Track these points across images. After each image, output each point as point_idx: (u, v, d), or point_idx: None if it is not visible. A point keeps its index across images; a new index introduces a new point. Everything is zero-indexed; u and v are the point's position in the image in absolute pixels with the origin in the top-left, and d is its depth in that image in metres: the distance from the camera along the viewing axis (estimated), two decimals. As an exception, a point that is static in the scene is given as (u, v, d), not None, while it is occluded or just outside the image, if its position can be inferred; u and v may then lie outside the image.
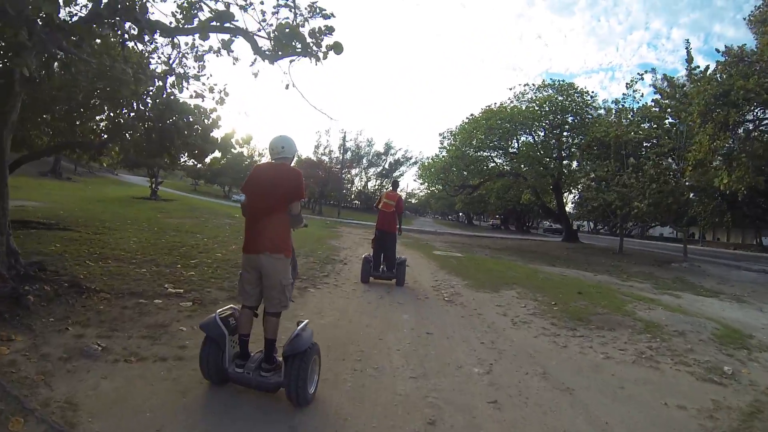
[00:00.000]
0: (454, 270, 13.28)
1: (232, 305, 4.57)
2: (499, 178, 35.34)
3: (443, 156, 36.01)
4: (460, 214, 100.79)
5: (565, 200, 43.02)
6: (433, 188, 45.38)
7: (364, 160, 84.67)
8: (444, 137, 37.26)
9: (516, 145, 36.24)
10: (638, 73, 27.50)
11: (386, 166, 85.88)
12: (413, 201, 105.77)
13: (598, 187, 25.46)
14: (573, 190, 39.89)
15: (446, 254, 18.68)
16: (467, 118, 35.80)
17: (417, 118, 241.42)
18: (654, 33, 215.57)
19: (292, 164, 4.49)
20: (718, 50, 20.20)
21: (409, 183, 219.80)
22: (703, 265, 22.82)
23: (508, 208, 60.26)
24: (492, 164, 36.74)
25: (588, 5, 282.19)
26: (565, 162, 35.46)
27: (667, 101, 24.02)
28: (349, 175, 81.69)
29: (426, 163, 38.30)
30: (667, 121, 26.24)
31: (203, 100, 9.16)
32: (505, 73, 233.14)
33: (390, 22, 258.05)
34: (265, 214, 4.08)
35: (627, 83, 28.34)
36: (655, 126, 25.36)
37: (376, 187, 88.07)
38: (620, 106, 29.15)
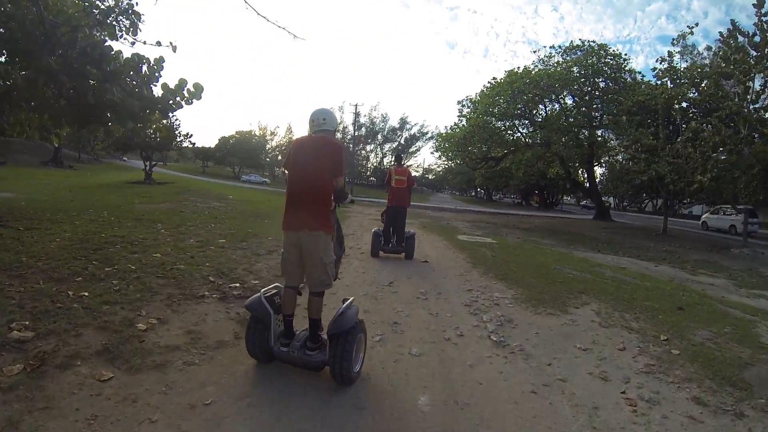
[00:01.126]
0: (492, 268, 9.78)
1: (277, 284, 4.32)
2: (527, 149, 31.53)
3: (462, 125, 32.31)
4: (479, 189, 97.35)
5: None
6: (452, 162, 41.70)
7: (379, 136, 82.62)
8: (463, 105, 33.58)
9: (544, 112, 32.59)
10: (688, 27, 23.29)
11: (402, 141, 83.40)
12: (430, 177, 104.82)
13: (648, 157, 21.71)
14: (604, 163, 35.96)
15: (474, 240, 15.24)
16: (489, 82, 31.98)
17: (434, 92, 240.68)
18: (673, 4, 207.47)
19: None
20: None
21: (426, 158, 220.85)
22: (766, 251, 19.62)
23: (530, 183, 56.61)
24: (517, 134, 33.19)
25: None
26: (598, 132, 31.68)
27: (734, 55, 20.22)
28: (363, 152, 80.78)
29: (444, 134, 34.56)
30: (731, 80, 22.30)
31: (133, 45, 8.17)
32: (521, 47, 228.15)
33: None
34: (306, 189, 3.87)
35: (673, 39, 24.63)
36: (711, 87, 21.47)
37: (392, 163, 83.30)
38: (666, 65, 25.42)
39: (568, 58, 31.49)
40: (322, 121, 4.12)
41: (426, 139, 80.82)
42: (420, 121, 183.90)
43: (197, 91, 8.32)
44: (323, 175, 3.86)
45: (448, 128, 34.18)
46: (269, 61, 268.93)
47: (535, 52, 59.25)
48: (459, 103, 34.04)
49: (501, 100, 29.89)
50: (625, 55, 30.67)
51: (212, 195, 22.58)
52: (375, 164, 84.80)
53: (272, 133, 74.25)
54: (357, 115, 55.92)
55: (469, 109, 32.36)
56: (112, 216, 11.75)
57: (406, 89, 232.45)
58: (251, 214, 16.26)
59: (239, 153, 64.67)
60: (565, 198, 74.23)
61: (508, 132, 32.58)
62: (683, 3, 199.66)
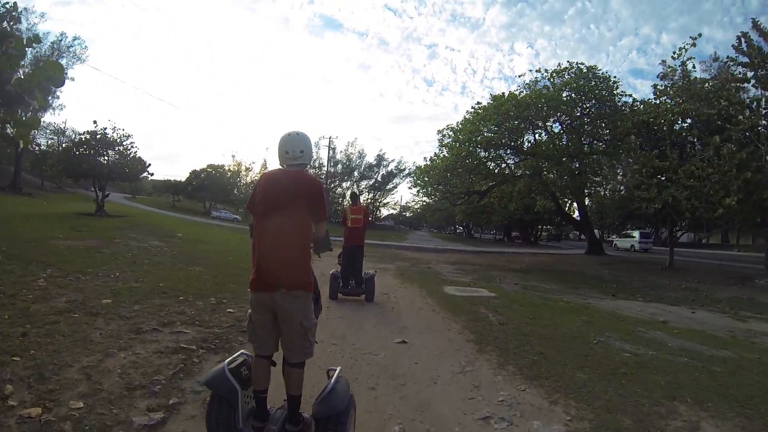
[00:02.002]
0: (507, 350, 6.15)
1: (243, 351, 3.57)
2: (518, 180, 28.41)
3: (444, 156, 29.13)
4: (458, 227, 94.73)
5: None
6: (431, 197, 38.49)
7: (356, 173, 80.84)
8: (443, 135, 30.43)
9: (532, 139, 29.73)
10: (691, 37, 20.62)
11: (379, 178, 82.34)
12: (407, 214, 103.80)
13: (660, 182, 18.67)
14: (593, 193, 33.05)
15: (466, 294, 11.57)
16: (472, 108, 29.08)
17: (412, 130, 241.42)
18: (644, 38, 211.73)
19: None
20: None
21: (404, 195, 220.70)
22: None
23: (514, 218, 53.66)
24: (503, 165, 30.15)
25: (578, 13, 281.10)
26: (590, 159, 28.78)
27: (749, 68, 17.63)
28: (340, 189, 78.48)
29: (423, 167, 31.00)
30: (748, 94, 19.54)
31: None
32: (498, 83, 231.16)
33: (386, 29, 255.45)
34: (282, 239, 3.15)
35: (673, 54, 22.00)
36: (733, 96, 18.74)
37: (368, 200, 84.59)
38: (667, 84, 22.78)
39: (556, 81, 28.73)
40: (299, 153, 3.32)
41: (403, 176, 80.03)
42: (397, 158, 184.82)
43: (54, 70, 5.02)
44: (302, 220, 3.18)
45: (427, 160, 30.83)
46: (248, 92, 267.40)
47: (520, 76, 56.18)
48: (439, 132, 30.99)
49: (485, 129, 26.97)
50: (615, 77, 28.07)
51: (160, 232, 19.92)
52: (348, 192, 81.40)
53: (247, 169, 70.52)
54: (332, 149, 52.76)
55: (450, 139, 29.21)
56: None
57: (384, 126, 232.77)
58: (187, 258, 12.81)
59: (211, 187, 61.08)
60: (545, 232, 71.59)
61: (495, 162, 29.43)
62: (653, 37, 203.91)
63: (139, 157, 30.60)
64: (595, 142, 27.94)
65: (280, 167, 3.41)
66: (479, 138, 26.69)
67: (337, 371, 3.41)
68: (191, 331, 5.78)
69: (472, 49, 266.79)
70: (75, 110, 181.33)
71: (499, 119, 26.19)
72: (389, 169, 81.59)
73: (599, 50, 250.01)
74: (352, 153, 79.67)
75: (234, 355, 3.49)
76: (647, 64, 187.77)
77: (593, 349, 6.44)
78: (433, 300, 10.19)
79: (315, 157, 59.86)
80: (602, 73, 27.81)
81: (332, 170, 76.91)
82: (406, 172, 77.17)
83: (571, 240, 73.24)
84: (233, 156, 54.41)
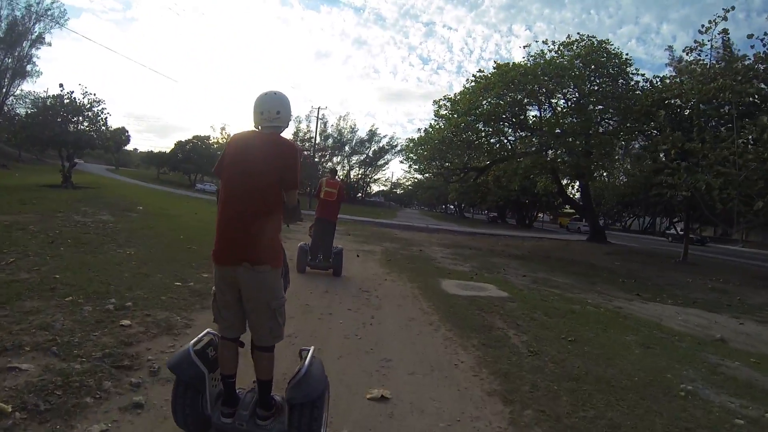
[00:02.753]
0: (558, 419, 3.68)
1: (210, 330, 3.14)
2: (525, 156, 25.80)
3: (439, 127, 26.40)
4: (450, 206, 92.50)
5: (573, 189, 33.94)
6: (423, 174, 35.86)
7: (347, 147, 79.72)
8: (439, 106, 27.65)
9: (538, 114, 27.14)
10: (723, 9, 18.00)
11: (370, 153, 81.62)
12: (398, 191, 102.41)
13: (689, 166, 16.15)
14: (602, 176, 30.60)
15: (472, 294, 9.03)
16: (473, 77, 26.18)
17: (405, 108, 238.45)
18: (644, 27, 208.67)
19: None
20: None
21: (395, 171, 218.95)
22: None
23: (510, 199, 51.37)
24: (505, 141, 27.51)
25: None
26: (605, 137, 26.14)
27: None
28: (330, 164, 76.05)
29: (416, 138, 28.18)
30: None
31: None
32: (494, 65, 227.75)
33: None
34: (248, 207, 2.76)
35: (700, 28, 19.29)
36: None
37: (359, 176, 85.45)
38: (692, 60, 20.13)
39: (565, 53, 25.89)
40: (275, 114, 2.94)
41: (395, 152, 79.14)
42: (390, 134, 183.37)
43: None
44: (273, 187, 2.81)
45: (421, 131, 27.88)
46: (241, 65, 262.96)
47: (525, 47, 52.87)
48: (435, 103, 27.89)
49: (486, 100, 24.35)
50: (627, 55, 25.39)
51: (120, 205, 17.88)
52: (341, 177, 79.46)
53: (227, 135, 66.63)
54: (324, 123, 49.94)
55: (447, 110, 26.47)
56: None
57: (377, 104, 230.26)
58: (127, 237, 10.48)
59: (197, 159, 58.37)
60: (543, 216, 69.43)
61: (496, 137, 26.80)
62: (653, 27, 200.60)
63: (122, 128, 28.53)
64: (604, 120, 25.36)
65: (254, 129, 3.03)
66: (479, 110, 24.06)
67: (310, 351, 3.07)
68: (33, 367, 3.45)
69: (469, 28, 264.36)
70: (63, 80, 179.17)
71: (503, 90, 23.57)
72: (381, 144, 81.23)
73: (598, 37, 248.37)
74: (343, 127, 78.31)
75: (200, 335, 3.09)
76: (645, 54, 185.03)
77: (687, 409, 4.03)
78: (429, 303, 7.69)
79: (305, 130, 57.04)
80: (615, 49, 25.18)
81: (323, 144, 75.16)
82: (398, 148, 75.74)
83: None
84: (222, 128, 51.11)
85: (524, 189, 48.10)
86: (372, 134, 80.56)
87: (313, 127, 53.26)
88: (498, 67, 24.75)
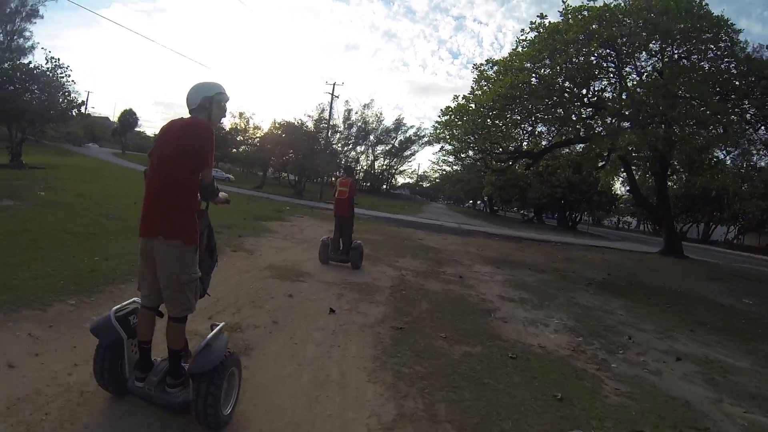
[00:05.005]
0: None
1: (135, 299, 3.45)
2: (619, 131, 18.35)
3: (484, 90, 19.58)
4: (478, 202, 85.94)
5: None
6: (458, 156, 29.01)
7: (372, 137, 77.67)
8: (481, 70, 20.92)
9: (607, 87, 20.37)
10: None
11: (396, 144, 79.68)
12: (424, 184, 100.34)
13: None
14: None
15: None
16: (529, 28, 19.60)
17: (434, 101, 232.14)
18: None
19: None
20: None
21: (422, 163, 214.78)
22: None
23: (555, 197, 44.32)
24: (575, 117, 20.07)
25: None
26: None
27: None
28: (352, 153, 75.27)
29: (453, 107, 20.60)
30: None
31: None
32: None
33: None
34: (162, 185, 3.07)
35: None
36: None
37: (384, 167, 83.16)
38: None
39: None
40: (197, 100, 3.27)
41: (422, 143, 77.52)
42: (417, 124, 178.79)
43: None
44: (183, 166, 3.05)
45: (459, 98, 20.74)
46: (270, 56, 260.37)
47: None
48: (475, 68, 21.17)
49: (548, 60, 17.68)
50: (728, 19, 18.48)
51: (57, 188, 15.19)
52: (366, 167, 79.97)
53: (255, 127, 56.27)
54: (347, 106, 43.92)
55: (493, 71, 19.71)
56: None
57: (405, 96, 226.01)
58: None
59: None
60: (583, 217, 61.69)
61: (564, 109, 19.26)
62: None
63: (129, 109, 25.02)
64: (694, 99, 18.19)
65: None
66: (546, 69, 17.38)
67: (219, 327, 3.31)
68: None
69: (500, 23, 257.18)
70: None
71: (581, 43, 16.79)
72: (408, 135, 78.63)
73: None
74: (368, 115, 75.08)
75: (125, 302, 3.42)
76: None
77: None
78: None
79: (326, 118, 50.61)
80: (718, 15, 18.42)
81: (346, 132, 72.47)
82: (426, 139, 73.55)
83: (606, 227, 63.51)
84: (241, 114, 45.47)
85: (571, 185, 41.58)
86: (398, 123, 78.21)
87: (331, 109, 46.30)
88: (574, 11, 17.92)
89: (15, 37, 46.04)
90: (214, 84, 3.36)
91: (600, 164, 21.76)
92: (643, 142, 15.40)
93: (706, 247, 42.85)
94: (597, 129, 19.35)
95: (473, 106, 18.78)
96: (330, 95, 43.10)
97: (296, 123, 44.61)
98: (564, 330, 7.07)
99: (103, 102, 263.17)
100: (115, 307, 3.27)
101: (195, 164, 3.04)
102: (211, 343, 3.04)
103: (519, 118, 18.57)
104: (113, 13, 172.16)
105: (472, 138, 20.13)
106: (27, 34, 47.06)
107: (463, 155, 28.27)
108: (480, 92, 19.44)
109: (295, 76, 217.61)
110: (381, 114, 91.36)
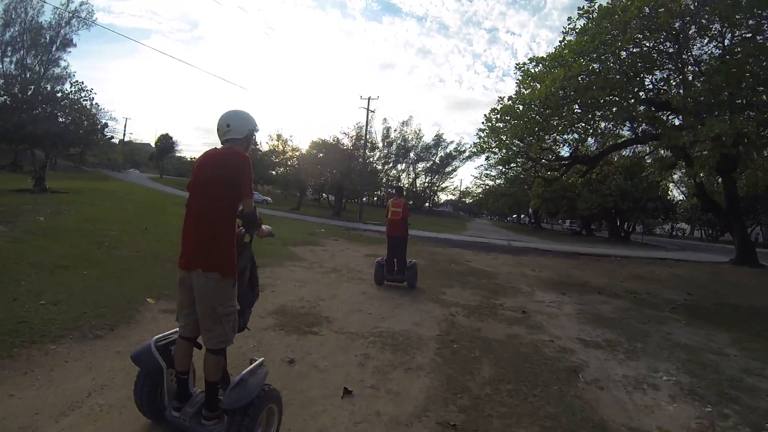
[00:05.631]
0: None
1: (177, 328, 3.32)
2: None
3: (533, 87, 17.34)
4: (522, 215, 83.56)
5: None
6: (506, 165, 26.70)
7: (412, 154, 77.51)
8: (526, 69, 18.79)
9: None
10: None
11: (437, 160, 79.13)
12: (467, 200, 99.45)
13: None
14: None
15: None
16: (578, 14, 17.47)
17: (471, 116, 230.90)
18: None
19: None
20: None
21: (464, 179, 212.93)
22: None
23: (606, 207, 41.41)
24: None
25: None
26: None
27: None
28: (393, 171, 75.01)
29: (499, 108, 18.53)
30: None
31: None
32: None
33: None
34: (201, 216, 3.06)
35: None
36: None
37: (425, 184, 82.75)
38: None
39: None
40: (226, 128, 3.25)
41: (463, 159, 77.04)
42: (456, 139, 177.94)
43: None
44: (223, 196, 3.04)
45: (504, 100, 18.63)
46: (306, 79, 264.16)
47: None
48: (518, 68, 18.98)
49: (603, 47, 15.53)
50: None
51: (65, 215, 13.56)
52: (407, 185, 78.83)
53: (293, 149, 55.12)
54: (370, 111, 41.77)
55: (538, 70, 17.57)
56: None
57: (443, 112, 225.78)
58: None
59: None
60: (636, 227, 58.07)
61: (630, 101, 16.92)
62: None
63: (166, 134, 24.83)
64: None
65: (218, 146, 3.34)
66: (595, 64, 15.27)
67: (258, 362, 3.22)
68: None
69: (533, 32, 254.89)
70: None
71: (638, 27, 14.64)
72: (448, 150, 77.92)
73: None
74: (407, 132, 74.78)
75: (167, 332, 3.39)
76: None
77: None
78: None
79: (367, 132, 49.08)
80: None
81: (385, 151, 71.96)
82: (467, 154, 72.90)
83: (659, 236, 59.65)
84: (278, 135, 44.13)
85: (623, 192, 38.77)
86: (438, 139, 77.46)
87: (368, 124, 44.30)
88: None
89: (50, 66, 46.51)
90: (252, 117, 3.34)
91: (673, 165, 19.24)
92: (733, 131, 13.01)
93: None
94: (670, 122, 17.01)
95: (521, 108, 16.72)
96: (366, 110, 41.38)
97: (333, 141, 43.31)
98: (681, 394, 4.99)
99: (144, 129, 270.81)
100: (157, 336, 3.26)
101: (234, 194, 3.04)
102: (247, 378, 2.98)
103: (579, 112, 16.26)
104: (153, 42, 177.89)
105: (521, 144, 18.04)
106: (63, 63, 47.37)
107: (511, 165, 25.99)
108: (527, 92, 17.34)
109: (333, 98, 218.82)
110: (420, 130, 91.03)
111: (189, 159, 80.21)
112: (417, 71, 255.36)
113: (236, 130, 3.22)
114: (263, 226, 3.34)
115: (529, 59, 18.82)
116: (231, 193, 3.02)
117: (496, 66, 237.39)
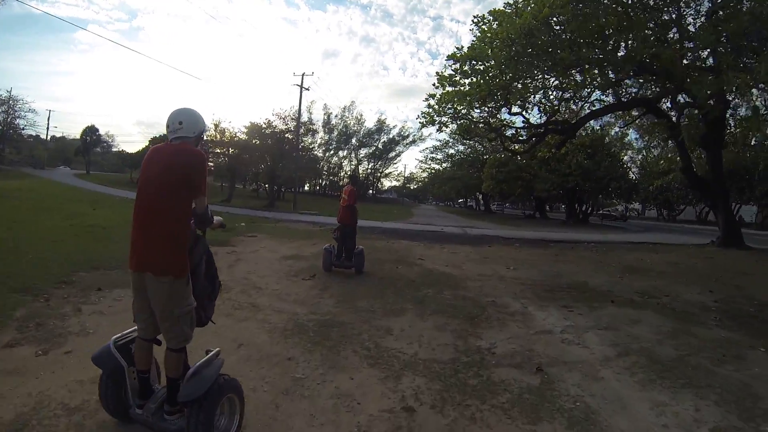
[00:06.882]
0: None
1: (136, 327, 3.20)
2: None
3: (496, 33, 13.73)
4: (468, 200, 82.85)
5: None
6: (443, 159, 23.40)
7: (354, 140, 74.83)
8: (485, 21, 15.17)
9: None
10: None
11: (379, 146, 76.78)
12: (412, 186, 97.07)
13: None
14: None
15: None
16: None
17: (415, 104, 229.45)
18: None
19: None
20: None
21: (408, 164, 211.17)
22: None
23: (567, 188, 38.51)
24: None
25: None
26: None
27: None
28: (335, 158, 73.14)
29: (461, 53, 15.37)
30: None
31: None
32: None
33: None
34: (151, 216, 2.90)
35: None
36: None
37: (368, 170, 79.97)
38: None
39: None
40: (178, 125, 3.08)
41: (406, 143, 75.90)
42: (399, 125, 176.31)
43: None
44: (176, 196, 2.88)
45: (460, 48, 15.22)
46: (247, 66, 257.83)
47: None
48: (475, 23, 15.34)
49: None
50: None
51: None
52: (349, 172, 73.99)
53: (221, 131, 47.79)
54: (325, 111, 38.62)
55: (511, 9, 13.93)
56: None
57: (386, 100, 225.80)
58: None
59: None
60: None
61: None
62: None
63: (91, 125, 22.41)
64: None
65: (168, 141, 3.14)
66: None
67: (212, 352, 3.18)
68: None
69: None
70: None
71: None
72: (391, 135, 76.27)
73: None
74: (348, 118, 72.34)
75: (126, 331, 3.27)
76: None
77: None
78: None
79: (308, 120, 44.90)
80: None
81: (326, 137, 70.06)
82: (410, 139, 73.90)
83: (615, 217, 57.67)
84: (216, 124, 38.44)
85: (585, 172, 35.96)
86: (381, 125, 75.08)
87: (301, 102, 39.83)
88: None
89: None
90: (203, 118, 3.22)
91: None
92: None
93: (751, 232, 36.29)
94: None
95: (490, 52, 12.93)
96: (299, 87, 36.90)
97: (264, 124, 38.41)
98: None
99: (80, 125, 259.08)
100: (115, 336, 3.16)
101: (188, 192, 2.91)
102: (201, 370, 2.94)
103: (574, 59, 12.46)
104: (90, 35, 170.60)
105: (485, 109, 14.36)
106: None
107: (473, 137, 22.36)
108: (486, 43, 13.65)
109: (275, 87, 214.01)
110: (362, 116, 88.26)
111: (126, 153, 73.30)
112: (360, 59, 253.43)
113: (188, 128, 3.07)
114: (215, 218, 3.17)
115: (489, 12, 15.24)
116: (185, 190, 2.87)
117: (440, 53, 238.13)
